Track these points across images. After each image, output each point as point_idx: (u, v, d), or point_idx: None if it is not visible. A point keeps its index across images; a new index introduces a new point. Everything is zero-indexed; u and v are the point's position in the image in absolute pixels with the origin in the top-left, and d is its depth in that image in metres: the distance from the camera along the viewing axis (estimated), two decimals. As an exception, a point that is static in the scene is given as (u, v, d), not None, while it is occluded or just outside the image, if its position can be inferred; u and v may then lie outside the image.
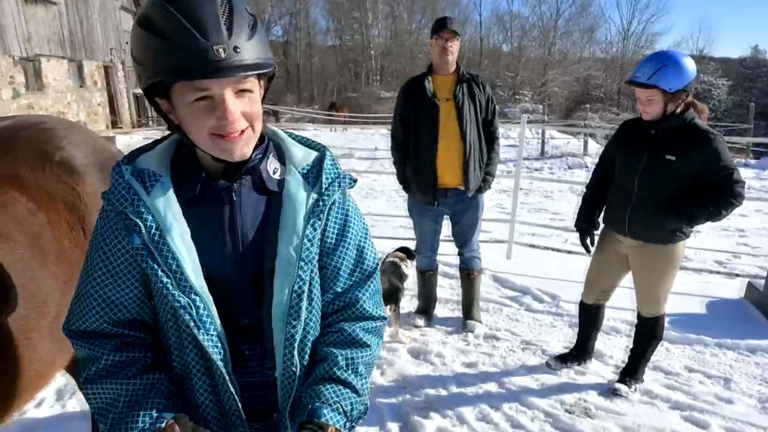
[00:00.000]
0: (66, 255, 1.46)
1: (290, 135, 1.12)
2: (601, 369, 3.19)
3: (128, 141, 15.98)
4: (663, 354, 3.38)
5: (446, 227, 3.78)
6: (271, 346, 1.03)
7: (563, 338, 3.61)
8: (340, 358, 1.06)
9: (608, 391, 2.94)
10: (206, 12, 0.87)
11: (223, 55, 0.86)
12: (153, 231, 0.96)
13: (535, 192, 11.47)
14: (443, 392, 2.94)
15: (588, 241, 3.01)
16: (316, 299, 1.06)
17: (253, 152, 1.01)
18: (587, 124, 20.42)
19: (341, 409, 1.01)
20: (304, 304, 1.01)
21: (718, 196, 2.51)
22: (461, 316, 3.87)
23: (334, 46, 47.01)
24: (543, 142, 18.42)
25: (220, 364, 0.98)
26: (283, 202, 1.02)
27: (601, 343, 3.52)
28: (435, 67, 3.47)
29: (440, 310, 4.03)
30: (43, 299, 1.38)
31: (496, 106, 3.57)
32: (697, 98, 2.73)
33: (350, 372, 1.05)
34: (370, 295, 1.12)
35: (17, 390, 1.34)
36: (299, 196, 1.01)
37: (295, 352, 1.02)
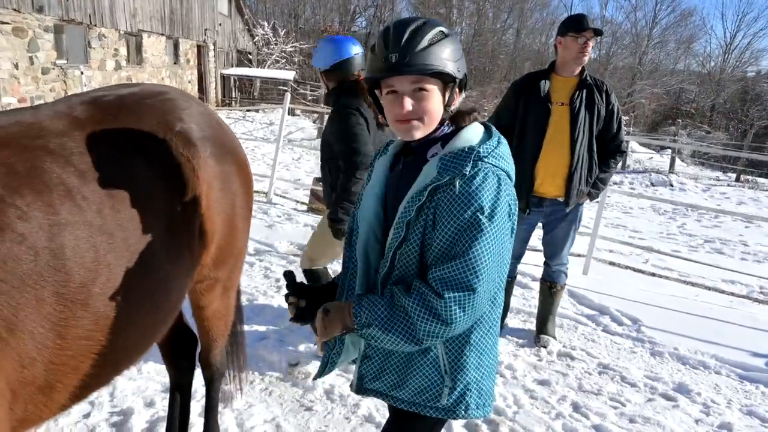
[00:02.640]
0: (176, 226, 1.49)
1: (488, 128, 1.38)
2: (688, 406, 2.95)
3: (212, 118, 16.68)
4: (759, 398, 3.09)
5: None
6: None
7: (644, 366, 3.38)
8: (392, 287, 1.31)
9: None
10: (395, 34, 1.26)
11: (393, 61, 1.24)
12: (368, 181, 1.47)
13: (614, 207, 10.93)
14: (514, 407, 2.83)
15: None
16: (406, 254, 1.31)
17: (423, 139, 1.34)
18: (676, 139, 19.23)
19: (363, 304, 1.30)
20: (390, 252, 1.32)
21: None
22: (533, 328, 3.72)
23: (416, 40, 46.72)
24: (625, 156, 17.55)
25: (354, 269, 1.43)
26: (419, 177, 1.31)
27: (687, 377, 3.27)
28: (559, 67, 3.25)
29: (511, 320, 3.89)
30: (151, 268, 1.41)
31: (622, 119, 3.32)
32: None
33: (387, 294, 1.30)
34: (439, 274, 1.24)
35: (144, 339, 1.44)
36: (423, 176, 1.29)
37: (378, 283, 1.36)
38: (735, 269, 6.10)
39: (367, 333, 1.28)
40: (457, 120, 1.36)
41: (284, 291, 4.07)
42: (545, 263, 3.58)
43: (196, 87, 20.63)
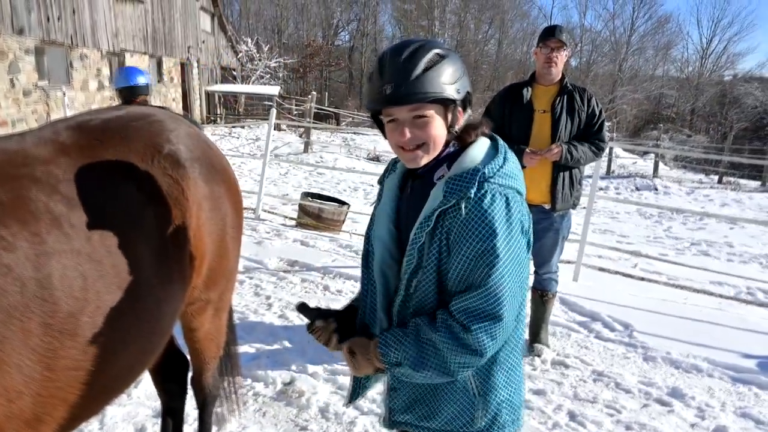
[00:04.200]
0: (166, 250, 1.47)
1: (494, 142, 1.34)
2: (683, 411, 2.96)
3: (198, 136, 16.61)
4: (752, 400, 3.11)
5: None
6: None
7: (638, 372, 3.39)
8: (416, 319, 1.28)
9: (691, 436, 2.73)
10: (390, 62, 1.22)
11: (388, 92, 1.21)
12: (378, 200, 1.44)
13: (600, 212, 11.03)
14: (510, 418, 2.81)
15: None
16: (424, 281, 1.27)
17: (430, 162, 1.30)
18: (658, 144, 19.50)
19: (389, 343, 1.27)
20: (405, 279, 1.29)
21: None
22: (526, 337, 3.72)
23: (399, 52, 47.20)
24: (610, 161, 17.76)
25: (373, 291, 1.39)
26: (427, 202, 1.27)
27: (681, 381, 3.29)
28: (537, 76, 3.34)
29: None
30: (142, 294, 1.39)
31: (604, 122, 3.39)
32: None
33: (411, 328, 1.27)
34: (462, 305, 1.22)
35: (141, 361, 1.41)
36: (431, 200, 1.26)
37: (394, 313, 1.34)
38: (722, 271, 6.18)
39: (398, 371, 1.27)
40: (462, 137, 1.32)
41: (276, 310, 4.07)
42: (535, 272, 3.58)
43: (181, 105, 20.55)
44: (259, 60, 28.14)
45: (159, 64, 18.74)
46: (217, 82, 24.48)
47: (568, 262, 5.53)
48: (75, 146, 1.40)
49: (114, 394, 1.46)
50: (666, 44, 45.36)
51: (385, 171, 1.48)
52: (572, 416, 2.85)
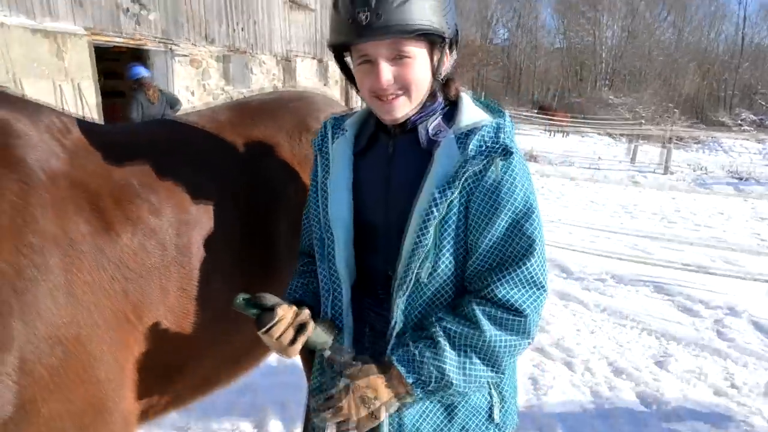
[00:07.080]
0: (299, 227, 1.50)
1: (477, 100, 1.13)
2: None
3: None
4: None
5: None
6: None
7: None
8: (439, 324, 1.03)
9: None
10: None
11: (364, 21, 0.94)
12: (324, 173, 1.17)
13: None
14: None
15: None
16: (441, 267, 1.03)
17: (417, 113, 1.07)
18: None
19: (413, 366, 1.01)
20: (414, 267, 1.02)
21: None
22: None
23: (561, 48, 44.94)
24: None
25: (338, 289, 1.13)
26: (432, 162, 1.03)
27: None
28: None
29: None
30: (274, 266, 1.44)
31: None
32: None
33: (439, 336, 1.01)
34: (509, 282, 1.00)
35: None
36: (443, 159, 1.02)
37: (399, 311, 1.05)
38: None
39: (442, 394, 1.04)
40: (447, 90, 1.10)
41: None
42: None
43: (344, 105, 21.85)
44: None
45: (325, 68, 20.13)
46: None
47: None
48: (229, 124, 1.48)
49: (240, 368, 1.50)
50: None
51: (323, 136, 1.21)
52: None
